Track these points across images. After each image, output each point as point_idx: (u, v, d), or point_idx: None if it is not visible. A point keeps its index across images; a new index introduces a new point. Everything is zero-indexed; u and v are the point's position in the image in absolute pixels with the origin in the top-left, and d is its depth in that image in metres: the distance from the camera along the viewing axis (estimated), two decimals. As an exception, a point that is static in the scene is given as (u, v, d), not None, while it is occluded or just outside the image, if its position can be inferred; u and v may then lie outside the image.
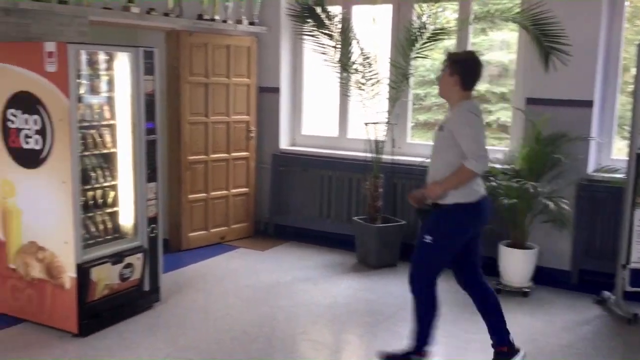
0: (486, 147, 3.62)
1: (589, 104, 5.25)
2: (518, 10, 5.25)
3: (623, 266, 4.70)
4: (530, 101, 5.48)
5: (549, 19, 5.00)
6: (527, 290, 5.12)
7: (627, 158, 4.69)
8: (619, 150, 5.45)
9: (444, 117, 3.90)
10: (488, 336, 4.36)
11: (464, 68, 3.62)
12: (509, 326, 4.16)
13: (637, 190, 4.63)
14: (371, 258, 5.77)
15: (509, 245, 5.20)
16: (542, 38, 5.05)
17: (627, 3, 5.32)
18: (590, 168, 5.35)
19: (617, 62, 5.33)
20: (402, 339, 4.31)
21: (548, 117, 5.18)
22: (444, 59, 3.78)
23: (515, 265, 5.17)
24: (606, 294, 4.92)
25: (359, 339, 4.39)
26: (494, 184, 5.17)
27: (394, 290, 5.21)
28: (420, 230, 3.79)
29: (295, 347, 4.23)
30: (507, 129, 6.28)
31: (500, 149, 5.90)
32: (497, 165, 5.37)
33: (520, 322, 4.65)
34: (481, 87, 6.88)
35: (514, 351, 3.85)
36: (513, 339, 3.88)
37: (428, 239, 3.65)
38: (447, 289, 5.19)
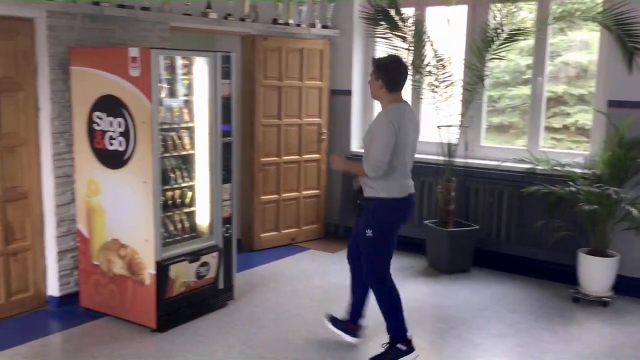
0: (387, 157, 3.73)
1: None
2: (600, 9, 5.07)
3: None
4: (613, 104, 5.27)
5: (633, 18, 4.81)
6: (607, 299, 4.93)
7: None
8: None
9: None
10: (563, 347, 4.27)
11: (387, 72, 3.83)
12: (588, 334, 4.06)
13: None
14: (443, 263, 5.70)
15: (588, 253, 5.01)
16: (626, 38, 4.85)
17: None
18: (677, 174, 5.09)
19: None
20: (475, 347, 4.25)
21: (632, 120, 4.97)
22: (372, 64, 3.98)
23: (595, 273, 4.98)
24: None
25: (430, 345, 4.34)
26: (573, 189, 5.01)
27: (467, 296, 5.13)
28: (358, 228, 4.00)
29: (365, 350, 4.23)
30: (586, 132, 6.07)
31: (578, 153, 5.72)
32: (577, 170, 5.21)
33: (599, 332, 4.50)
34: (558, 88, 6.70)
35: (360, 329, 4.26)
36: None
37: (369, 232, 3.89)
38: (523, 298, 5.10)
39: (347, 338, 4.25)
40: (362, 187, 3.95)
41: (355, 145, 6.78)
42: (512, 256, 5.80)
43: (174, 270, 4.33)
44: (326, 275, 5.62)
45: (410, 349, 3.95)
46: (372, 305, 4.18)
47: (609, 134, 5.19)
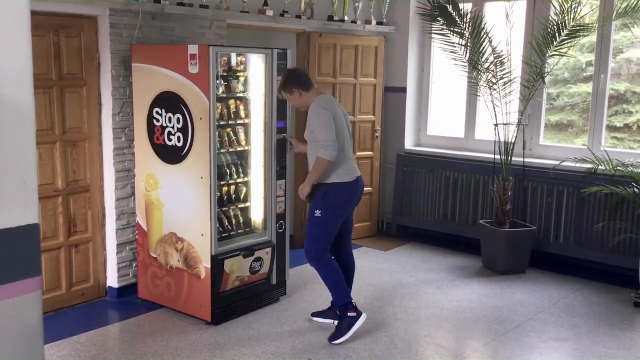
0: (334, 135, 4.04)
1: None
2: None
3: None
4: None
5: None
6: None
7: None
8: None
9: None
10: (624, 352, 4.15)
11: (293, 81, 4.22)
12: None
13: None
14: (498, 263, 5.59)
15: (651, 257, 4.85)
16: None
17: None
18: None
19: None
20: (531, 350, 4.17)
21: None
22: (280, 92, 4.33)
23: (659, 278, 4.81)
24: None
25: (484, 346, 4.27)
26: (636, 190, 4.84)
27: (523, 298, 5.02)
28: (309, 209, 4.24)
29: (418, 349, 4.20)
30: (650, 131, 5.87)
31: (642, 153, 5.52)
32: (640, 170, 5.03)
33: None
34: (620, 86, 6.50)
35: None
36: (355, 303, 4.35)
37: (317, 212, 4.16)
38: (582, 301, 4.96)
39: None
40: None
41: (409, 142, 6.72)
42: (570, 258, 5.65)
43: (229, 265, 4.38)
44: (379, 273, 5.60)
45: (359, 313, 4.24)
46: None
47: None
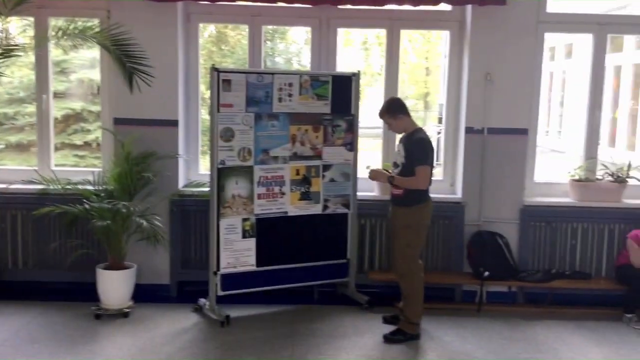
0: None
1: (174, 123, 5.49)
2: (98, 29, 5.17)
3: (214, 273, 5.03)
4: (118, 121, 5.46)
5: (130, 40, 5.02)
6: (127, 310, 5.06)
7: (210, 172, 5.04)
8: (206, 166, 5.77)
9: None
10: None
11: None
12: (109, 348, 4.27)
13: (221, 202, 5.00)
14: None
15: (106, 268, 5.09)
16: (125, 59, 5.03)
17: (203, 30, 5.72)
18: (181, 184, 5.59)
19: (196, 84, 5.71)
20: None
21: (136, 136, 5.23)
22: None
23: (115, 287, 5.07)
24: (202, 301, 5.20)
25: None
26: (87, 206, 5.03)
27: None
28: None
29: None
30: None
31: (91, 170, 5.72)
32: (90, 187, 5.25)
33: (120, 344, 4.58)
34: (77, 105, 6.72)
35: None
36: None
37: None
38: (44, 325, 4.84)
39: None
40: None
41: None
42: (33, 282, 5.52)
43: None
44: None
45: None
46: None
47: (117, 151, 5.36)
